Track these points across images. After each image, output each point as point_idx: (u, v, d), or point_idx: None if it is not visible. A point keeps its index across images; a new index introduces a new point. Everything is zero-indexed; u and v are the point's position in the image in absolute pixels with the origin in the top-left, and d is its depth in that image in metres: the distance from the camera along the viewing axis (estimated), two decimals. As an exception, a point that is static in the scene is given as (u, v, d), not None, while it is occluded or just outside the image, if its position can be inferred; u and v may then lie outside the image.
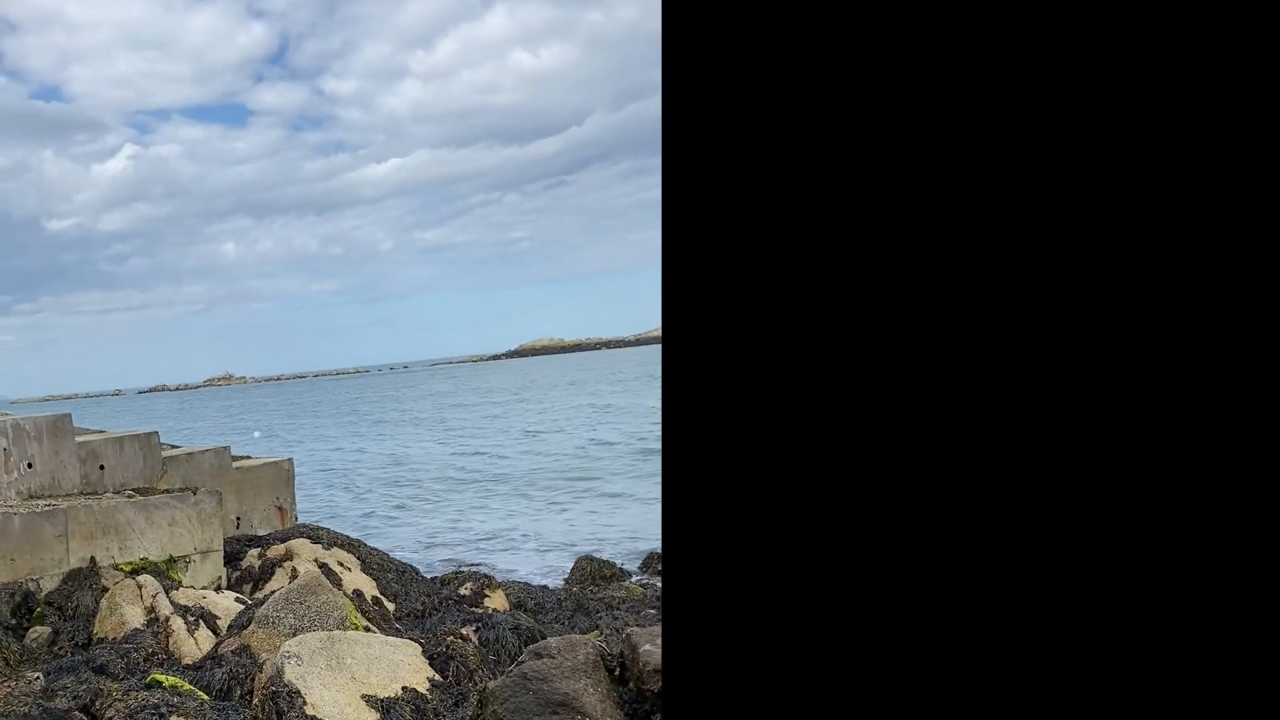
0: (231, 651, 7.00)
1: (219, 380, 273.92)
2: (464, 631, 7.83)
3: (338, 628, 7.05)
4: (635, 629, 5.58)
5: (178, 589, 8.51)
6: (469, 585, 10.42)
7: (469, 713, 5.87)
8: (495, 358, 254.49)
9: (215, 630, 7.78)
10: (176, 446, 12.74)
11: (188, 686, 6.32)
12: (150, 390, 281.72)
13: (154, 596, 8.05)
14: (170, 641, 7.52)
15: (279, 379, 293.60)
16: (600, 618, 10.19)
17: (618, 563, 13.80)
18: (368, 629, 7.80)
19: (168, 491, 10.17)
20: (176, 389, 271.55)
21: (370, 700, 6.05)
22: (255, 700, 6.14)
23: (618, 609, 10.71)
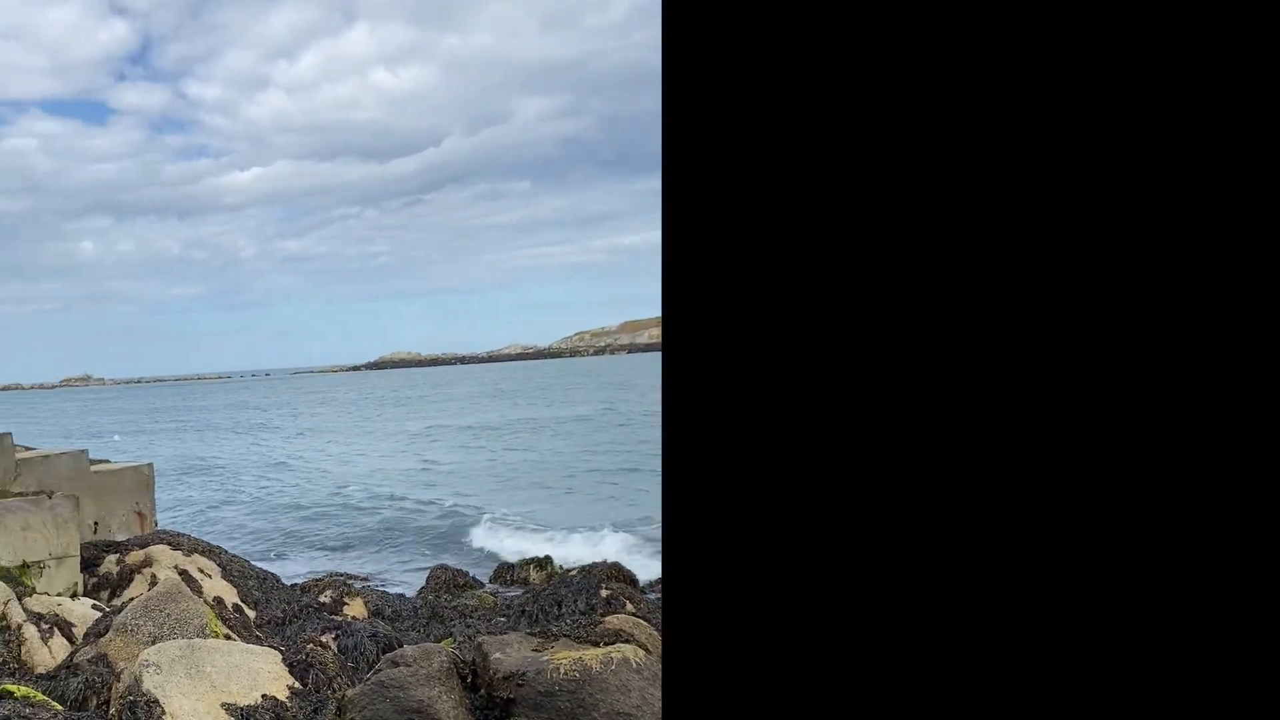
0: (88, 660, 6.86)
1: (76, 380, 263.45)
2: (323, 639, 7.82)
3: (198, 635, 6.98)
4: (486, 638, 5.68)
5: (31, 595, 8.29)
6: (329, 593, 10.38)
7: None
8: (356, 368, 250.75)
9: (71, 638, 7.61)
10: (31, 449, 12.35)
11: (40, 697, 6.19)
12: (3, 389, 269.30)
13: (5, 603, 7.83)
14: (22, 650, 7.33)
15: (139, 381, 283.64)
16: (454, 625, 10.25)
17: (470, 572, 13.87)
18: (228, 637, 7.72)
19: (21, 495, 9.88)
20: (31, 388, 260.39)
21: (230, 709, 6.01)
22: (112, 710, 6.04)
23: (470, 616, 10.79)
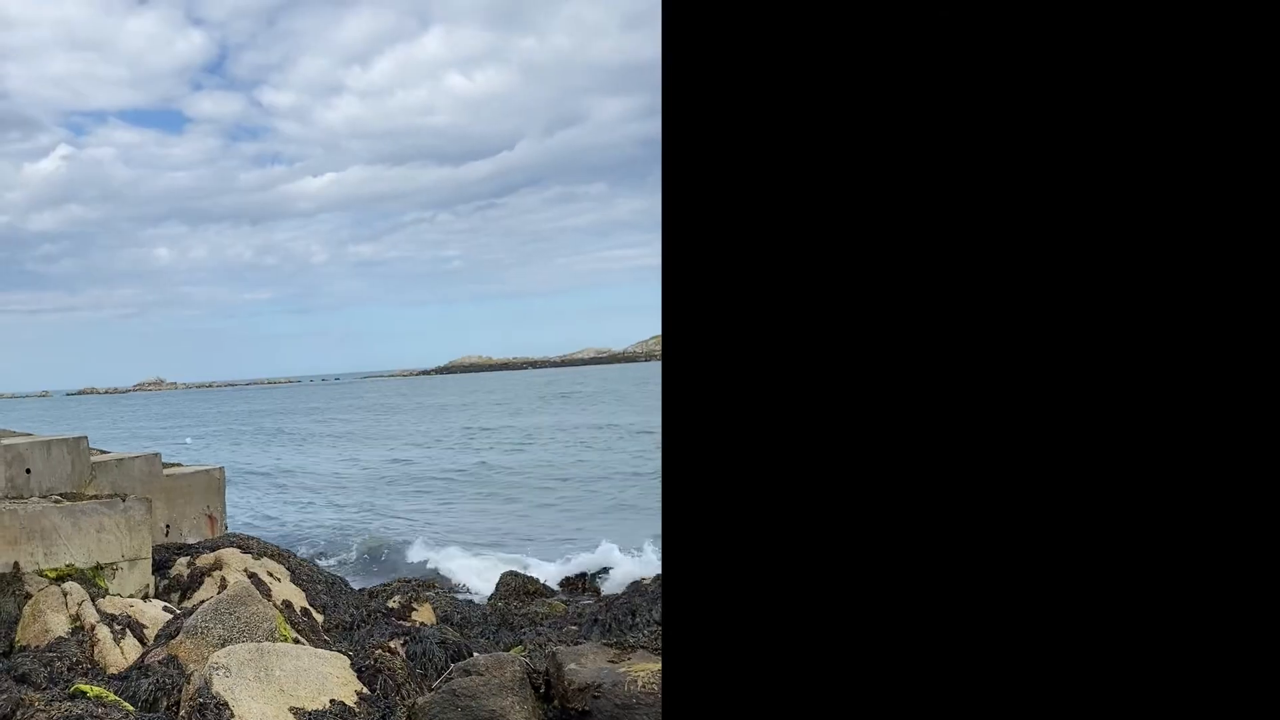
0: (158, 662, 6.84)
1: (149, 385, 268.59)
2: (392, 645, 7.73)
3: (267, 639, 6.92)
4: (560, 648, 5.54)
5: (104, 597, 8.30)
6: (397, 598, 10.31)
7: (396, 727, 5.79)
8: (426, 372, 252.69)
9: (142, 640, 7.60)
10: (106, 452, 12.45)
11: (112, 697, 6.15)
12: (79, 392, 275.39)
13: (79, 604, 7.85)
14: (95, 651, 7.33)
15: (210, 385, 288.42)
16: (524, 633, 10.17)
17: (540, 579, 13.81)
18: (297, 641, 7.66)
19: (96, 498, 9.92)
20: (106, 392, 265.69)
21: (298, 713, 5.93)
22: (182, 712, 5.99)
23: (540, 624, 10.68)
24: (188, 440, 53.28)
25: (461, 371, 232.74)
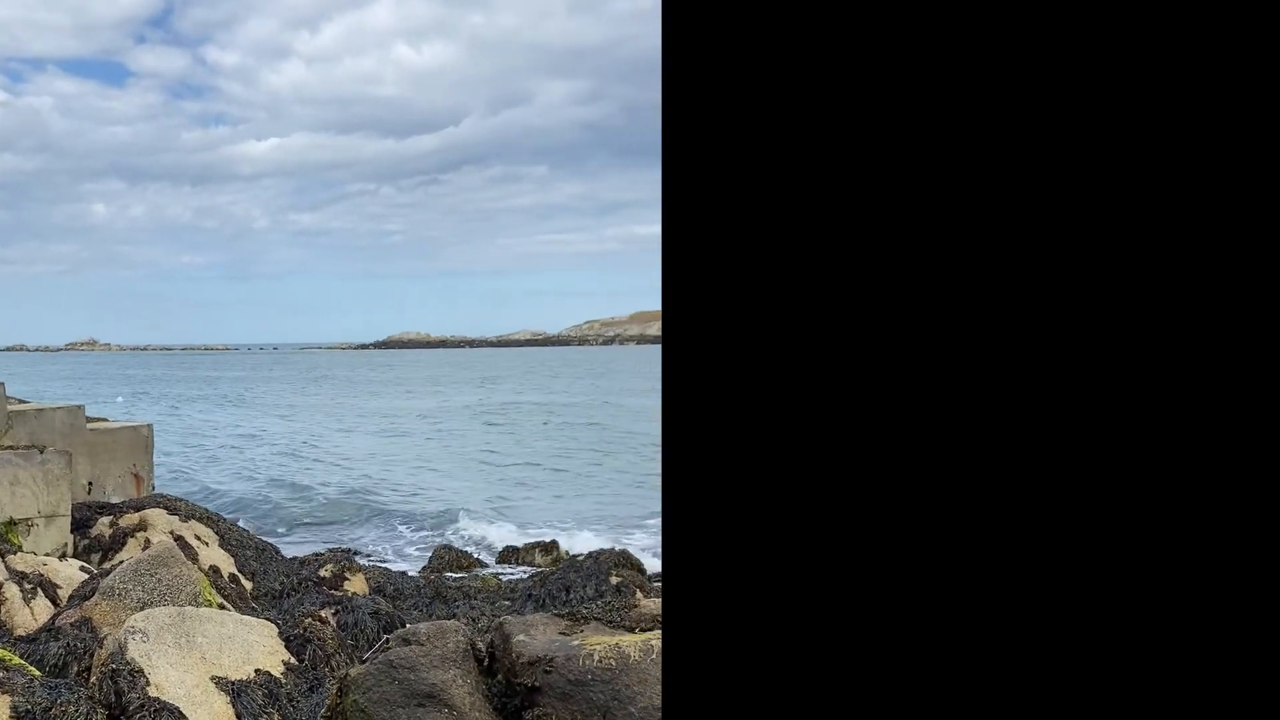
0: (70, 624, 6.29)
1: (82, 345, 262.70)
2: (323, 614, 7.24)
3: (190, 603, 6.40)
4: (508, 618, 5.13)
5: (16, 554, 7.71)
6: (329, 567, 9.79)
7: (326, 700, 5.33)
8: (364, 346, 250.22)
9: (55, 600, 7.04)
10: (25, 401, 11.78)
11: (17, 660, 5.60)
12: (7, 349, 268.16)
13: (-11, 560, 7.28)
14: (2, 610, 6.77)
15: (145, 348, 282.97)
16: (458, 606, 9.83)
17: (472, 553, 13.58)
18: (222, 606, 7.15)
19: (12, 448, 9.30)
20: (36, 349, 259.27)
21: (220, 682, 5.44)
22: (93, 678, 5.47)
23: (474, 598, 10.33)
24: (119, 399, 51.97)
25: (400, 347, 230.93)
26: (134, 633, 5.43)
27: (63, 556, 8.41)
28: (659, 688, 4.23)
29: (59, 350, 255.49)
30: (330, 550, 11.97)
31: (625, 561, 10.98)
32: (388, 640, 6.28)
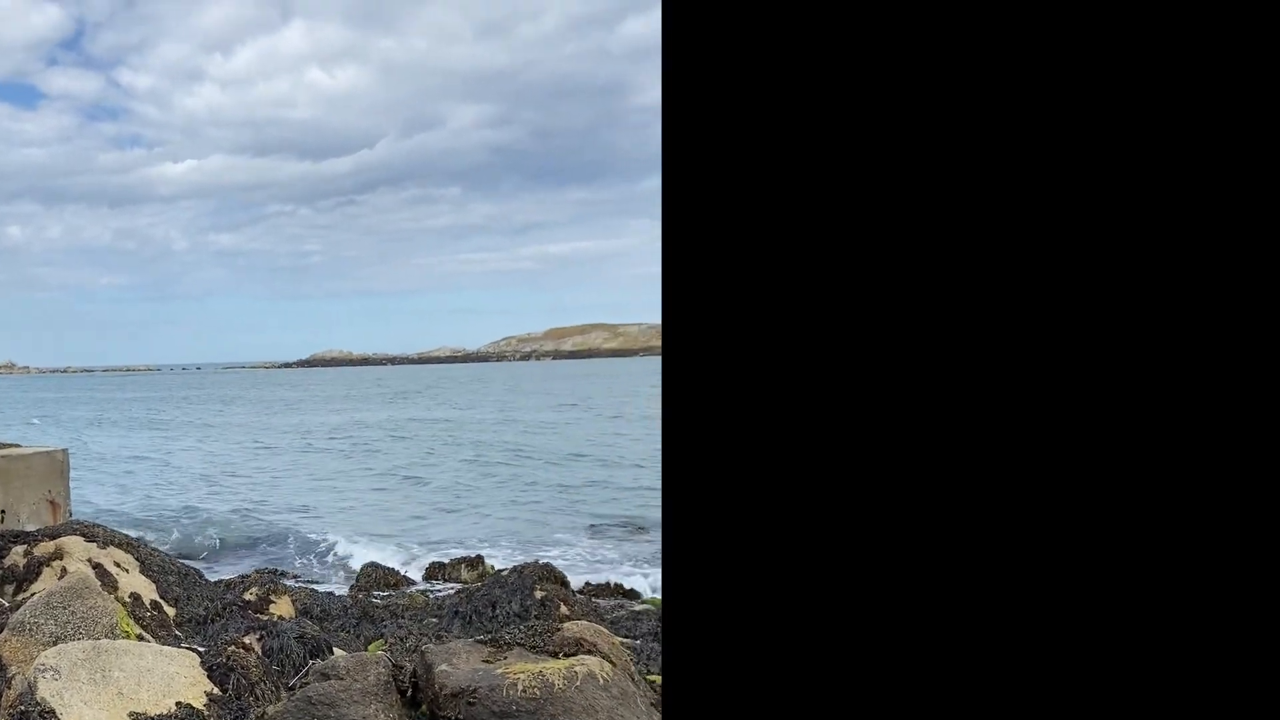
0: (-20, 661, 6.07)
1: (0, 368, 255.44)
2: (247, 640, 7.07)
3: (106, 636, 6.21)
4: (430, 647, 5.03)
5: (-74, 588, 7.44)
6: (255, 590, 9.59)
7: (247, 733, 5.19)
8: (287, 365, 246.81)
9: (-35, 636, 6.79)
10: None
11: (-75, 700, 5.39)
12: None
13: (-104, 596, 7.00)
14: (-90, 647, 6.50)
15: (66, 370, 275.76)
16: (385, 625, 9.71)
17: (400, 570, 13.50)
18: (141, 637, 6.96)
19: (-79, 480, 8.98)
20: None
21: (138, 718, 5.28)
22: None
23: (401, 616, 10.20)
24: (34, 420, 50.53)
25: (322, 365, 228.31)
26: (45, 670, 5.24)
27: (-27, 590, 8.12)
28: (584, 716, 4.15)
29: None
30: (257, 572, 11.72)
31: (549, 575, 10.91)
32: (307, 671, 6.16)
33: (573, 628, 4.67)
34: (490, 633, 5.44)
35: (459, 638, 6.49)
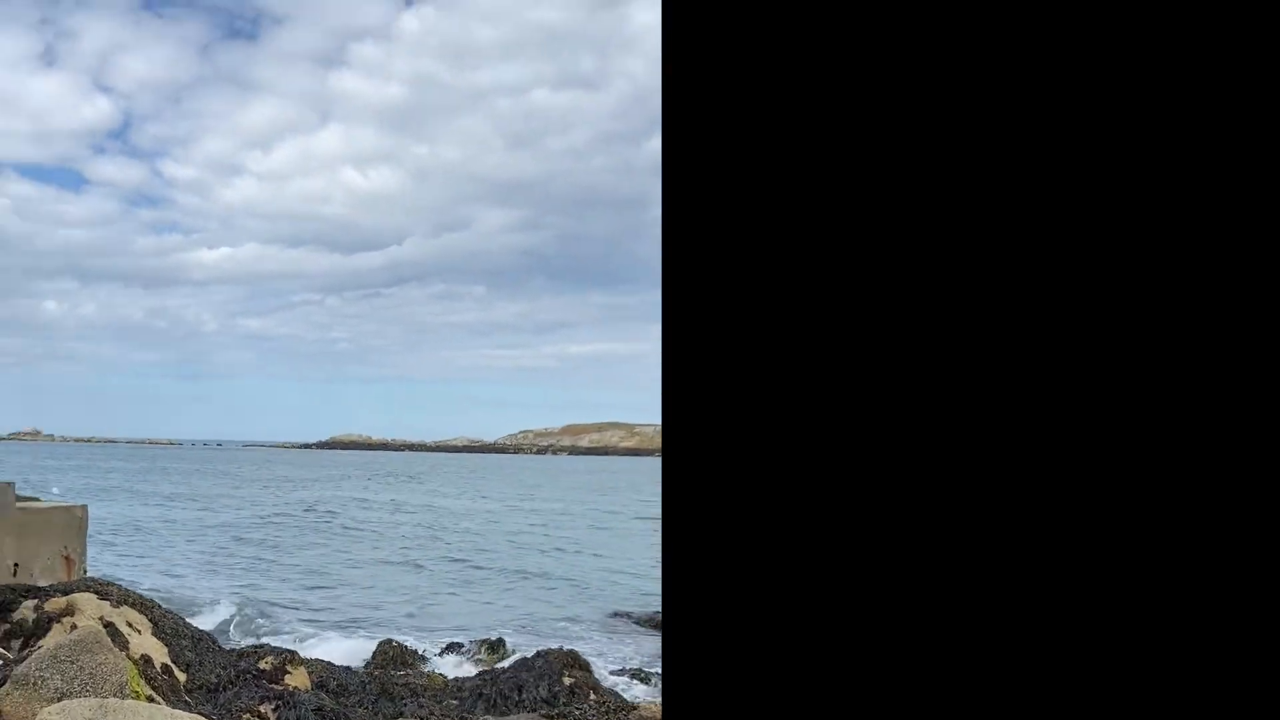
0: (-22, 715, 5.50)
1: (25, 434, 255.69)
2: (262, 709, 6.50)
3: (115, 694, 5.63)
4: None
5: (-72, 636, 6.89)
6: (270, 659, 8.96)
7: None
8: (307, 446, 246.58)
9: (-36, 688, 6.22)
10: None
11: (-87, 754, 4.82)
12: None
13: (-105, 642, 6.46)
14: (-95, 697, 5.93)
15: (90, 440, 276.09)
16: (405, 704, 9.11)
17: (418, 649, 12.98)
18: (151, 699, 6.38)
19: (-65, 526, 8.48)
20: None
21: (142, 786, 4.70)
22: (-3, 777, 4.71)
23: (421, 695, 9.57)
24: (54, 491, 50.09)
25: (341, 448, 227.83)
26: (47, 727, 4.68)
27: (-21, 642, 7.56)
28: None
29: (2, 439, 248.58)
30: (272, 646, 11.13)
31: (574, 662, 10.35)
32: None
33: (650, 708, 4.12)
34: (527, 711, 4.87)
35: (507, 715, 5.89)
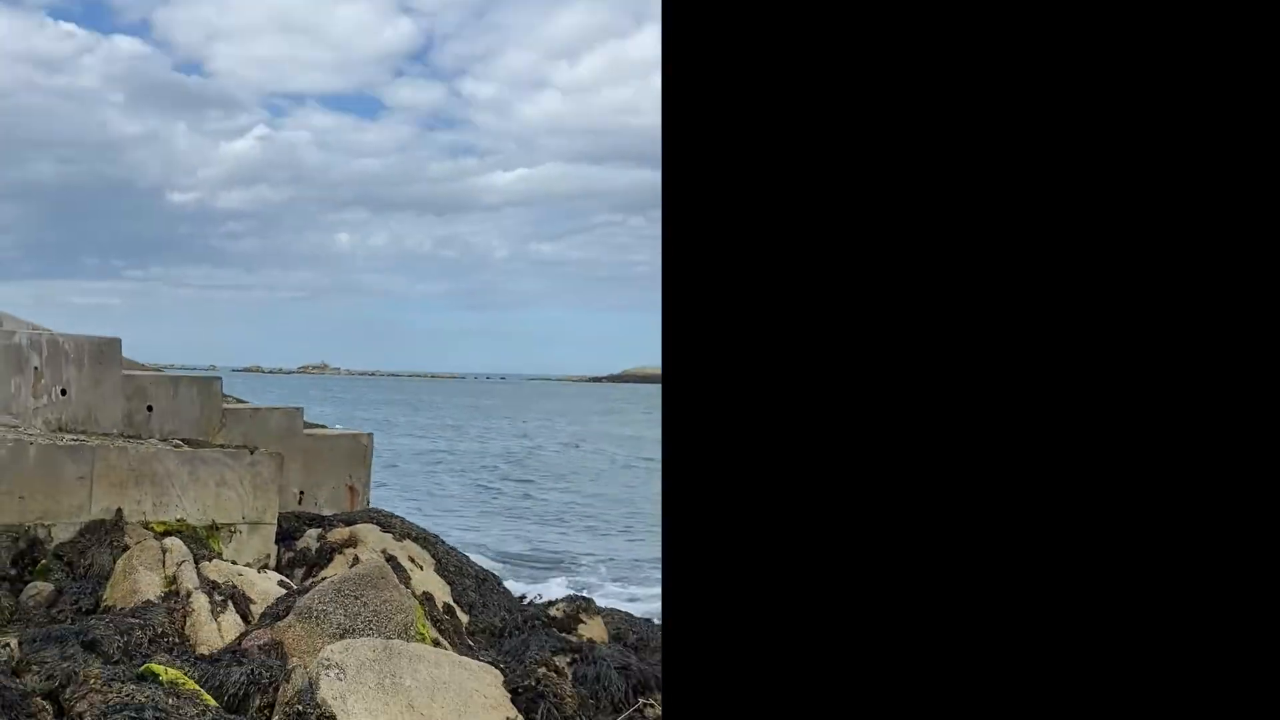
0: (259, 646, 5.52)
1: (313, 368, 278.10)
2: (555, 661, 6.31)
3: (399, 635, 5.55)
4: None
5: (212, 561, 7.12)
6: (561, 605, 8.85)
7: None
8: (597, 379, 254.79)
9: (247, 617, 6.34)
10: (243, 401, 11.46)
11: (191, 684, 4.85)
12: (244, 370, 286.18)
13: (179, 565, 6.66)
14: (187, 623, 6.09)
15: (374, 374, 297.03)
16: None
17: None
18: (437, 643, 6.31)
19: (222, 447, 8.83)
20: (270, 372, 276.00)
21: (429, 740, 4.53)
22: (275, 717, 4.66)
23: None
24: (336, 427, 53.86)
25: (634, 381, 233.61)
26: (328, 667, 4.57)
27: (263, 568, 7.80)
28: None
29: (292, 372, 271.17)
30: (561, 586, 11.12)
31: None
32: (638, 709, 5.26)
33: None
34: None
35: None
